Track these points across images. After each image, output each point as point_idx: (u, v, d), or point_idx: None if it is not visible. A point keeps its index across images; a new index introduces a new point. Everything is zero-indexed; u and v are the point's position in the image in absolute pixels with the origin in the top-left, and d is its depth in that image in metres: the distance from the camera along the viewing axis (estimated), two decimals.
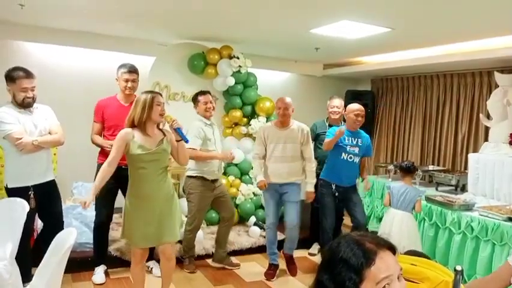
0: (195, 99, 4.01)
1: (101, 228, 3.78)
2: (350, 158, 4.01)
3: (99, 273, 3.75)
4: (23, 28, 4.82)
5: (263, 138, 3.97)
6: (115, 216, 4.95)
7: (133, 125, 2.89)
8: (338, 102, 4.58)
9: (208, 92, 4.05)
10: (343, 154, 4.00)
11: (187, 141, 3.06)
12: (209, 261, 4.28)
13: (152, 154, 2.87)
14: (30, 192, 3.19)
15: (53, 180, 3.45)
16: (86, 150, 5.03)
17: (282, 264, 4.21)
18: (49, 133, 3.34)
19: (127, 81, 3.67)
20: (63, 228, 3.52)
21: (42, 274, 2.39)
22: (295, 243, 4.13)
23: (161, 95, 3.00)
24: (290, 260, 4.16)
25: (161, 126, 3.03)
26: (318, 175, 4.18)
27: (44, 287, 2.19)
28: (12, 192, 3.17)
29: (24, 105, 3.22)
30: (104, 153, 3.69)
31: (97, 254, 3.83)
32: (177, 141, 3.02)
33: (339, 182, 4.05)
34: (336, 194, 4.07)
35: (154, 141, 2.90)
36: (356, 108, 4.04)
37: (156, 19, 4.28)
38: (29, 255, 3.44)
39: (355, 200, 4.13)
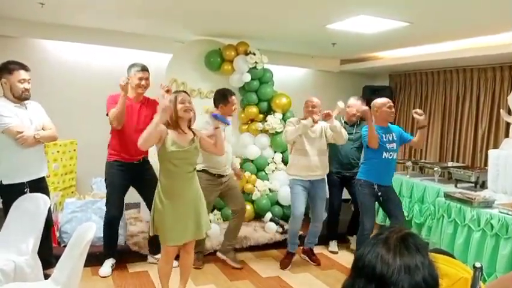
0: (224, 98, 3.84)
1: (112, 223, 3.80)
2: (390, 155, 3.96)
3: (106, 267, 3.80)
4: (43, 26, 4.91)
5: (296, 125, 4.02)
6: (133, 211, 5.08)
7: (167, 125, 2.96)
8: (352, 100, 4.63)
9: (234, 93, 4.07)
10: (384, 153, 3.92)
11: (228, 123, 3.22)
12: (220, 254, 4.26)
13: (185, 152, 2.95)
14: (26, 190, 3.10)
15: (45, 176, 3.40)
16: (105, 146, 5.12)
17: (299, 262, 4.24)
18: (42, 129, 3.28)
19: (140, 79, 3.71)
20: (52, 225, 3.60)
21: (63, 268, 2.45)
22: (317, 238, 4.35)
23: (186, 93, 3.06)
24: (311, 252, 4.37)
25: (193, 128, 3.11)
26: (338, 173, 4.53)
27: (64, 280, 2.24)
28: (7, 189, 3.09)
29: (22, 98, 3.15)
30: (117, 149, 3.72)
31: (107, 248, 3.87)
32: (216, 128, 3.17)
33: (380, 181, 3.96)
34: (379, 193, 3.97)
35: (186, 140, 2.99)
36: (387, 100, 3.98)
37: (174, 16, 4.31)
38: (51, 248, 3.52)
39: (395, 200, 4.07)
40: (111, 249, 3.87)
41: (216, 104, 3.91)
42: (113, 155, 3.76)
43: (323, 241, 4.69)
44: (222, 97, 3.87)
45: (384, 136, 3.91)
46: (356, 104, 4.56)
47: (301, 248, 4.41)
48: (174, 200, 2.95)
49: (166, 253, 3.07)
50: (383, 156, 3.92)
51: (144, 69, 3.74)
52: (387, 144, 3.91)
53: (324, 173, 4.19)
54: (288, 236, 4.27)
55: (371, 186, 3.96)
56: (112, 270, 3.82)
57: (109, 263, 3.82)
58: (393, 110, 3.98)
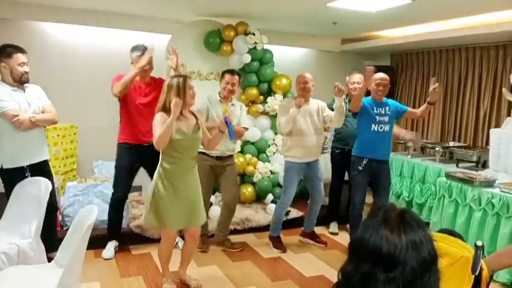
0: (221, 75, 4.02)
1: (117, 205, 3.83)
2: (381, 128, 3.92)
3: (109, 249, 3.83)
4: (41, 8, 4.84)
5: (288, 110, 3.91)
6: (135, 194, 5.09)
7: (164, 110, 2.90)
8: (357, 77, 4.51)
9: (237, 74, 3.99)
10: (373, 125, 3.90)
11: (231, 138, 3.19)
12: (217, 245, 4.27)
13: (189, 139, 2.95)
14: (27, 174, 3.10)
15: (47, 160, 3.39)
16: (106, 129, 5.12)
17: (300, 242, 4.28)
18: (42, 112, 3.26)
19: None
20: (57, 208, 3.63)
21: (66, 250, 2.46)
22: (316, 217, 4.34)
23: (190, 78, 3.03)
24: (314, 234, 4.36)
25: (192, 109, 3.08)
26: (341, 152, 4.51)
27: (67, 263, 2.25)
28: (8, 173, 3.11)
29: (22, 81, 3.14)
30: (126, 131, 3.72)
31: (110, 229, 3.90)
32: (221, 131, 3.12)
33: (372, 155, 3.94)
34: (369, 168, 3.96)
35: (189, 126, 2.97)
36: (377, 77, 3.92)
37: None
38: (55, 231, 3.55)
39: (383, 179, 4.04)
40: (114, 231, 3.90)
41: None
42: (121, 137, 3.78)
43: (323, 222, 4.71)
44: (222, 73, 4.02)
45: (375, 108, 3.90)
46: (362, 80, 4.51)
47: (301, 231, 4.40)
48: (176, 185, 2.96)
49: (167, 237, 3.12)
50: (372, 129, 3.90)
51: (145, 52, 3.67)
52: (377, 117, 3.89)
53: (319, 153, 4.15)
54: (272, 221, 4.20)
55: (361, 161, 3.96)
56: (115, 252, 3.85)
57: (112, 245, 3.86)
58: (380, 88, 3.88)
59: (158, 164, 3.02)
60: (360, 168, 3.97)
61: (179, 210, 2.98)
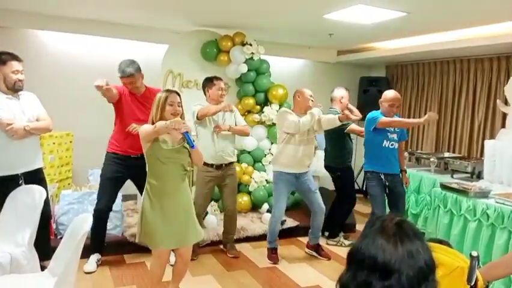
0: (209, 81, 3.90)
1: (100, 216, 3.66)
2: (392, 144, 4.00)
3: (91, 262, 3.68)
4: (37, 17, 4.86)
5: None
6: (130, 202, 5.07)
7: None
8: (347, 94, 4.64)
9: (221, 79, 3.99)
10: (385, 142, 3.98)
11: (192, 147, 2.79)
12: (222, 246, 4.33)
13: (174, 151, 2.78)
14: (21, 181, 3.08)
15: (41, 168, 3.36)
16: (102, 137, 5.09)
17: (296, 252, 4.22)
18: (37, 120, 3.23)
19: (125, 84, 3.63)
20: (51, 217, 3.57)
21: (59, 259, 2.44)
22: (320, 230, 4.27)
23: (177, 94, 2.85)
24: (319, 247, 4.27)
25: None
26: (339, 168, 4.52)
27: (61, 272, 2.23)
28: (1, 181, 3.04)
29: (15, 88, 3.12)
30: (117, 141, 3.70)
31: (93, 242, 3.70)
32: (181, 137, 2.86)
33: (387, 170, 4.02)
34: (386, 183, 4.02)
35: (173, 138, 2.80)
36: (391, 97, 3.96)
37: (171, 7, 4.27)
38: (49, 239, 3.51)
39: (400, 193, 4.11)
40: (97, 243, 3.75)
41: (203, 90, 3.96)
42: (110, 146, 3.74)
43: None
44: (207, 81, 3.94)
45: None
46: (346, 95, 4.60)
47: (307, 243, 4.33)
48: (165, 202, 2.79)
49: (158, 256, 2.89)
50: (384, 145, 3.97)
51: (124, 75, 3.55)
52: (389, 134, 3.97)
53: (309, 165, 4.09)
54: (268, 234, 4.14)
55: (378, 177, 4.02)
56: (97, 266, 3.71)
57: (94, 258, 3.71)
58: (394, 109, 3.96)
59: (146, 181, 2.84)
60: (377, 182, 4.02)
61: (169, 229, 2.79)
